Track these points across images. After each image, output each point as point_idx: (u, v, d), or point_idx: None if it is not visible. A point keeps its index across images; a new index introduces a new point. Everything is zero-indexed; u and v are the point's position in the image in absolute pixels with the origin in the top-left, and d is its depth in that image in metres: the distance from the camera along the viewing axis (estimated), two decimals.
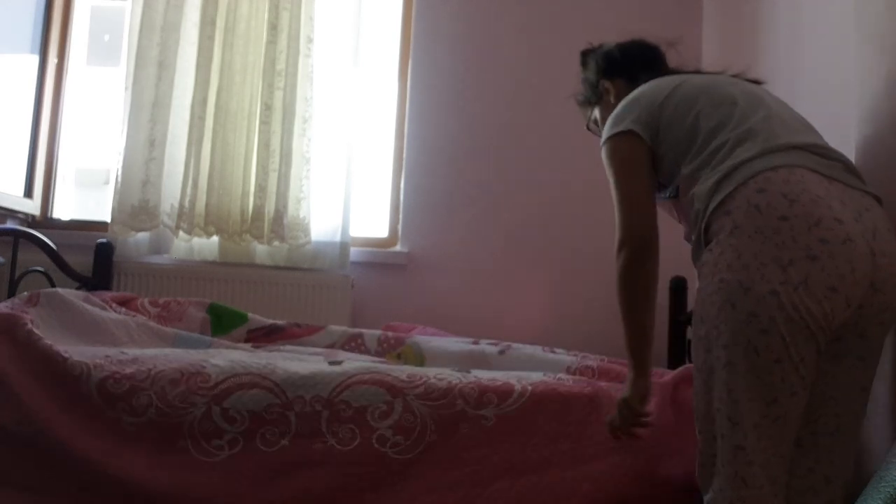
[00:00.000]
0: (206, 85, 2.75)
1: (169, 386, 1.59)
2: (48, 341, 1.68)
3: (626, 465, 1.55)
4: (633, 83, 1.56)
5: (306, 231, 2.77)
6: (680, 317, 2.43)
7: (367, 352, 2.16)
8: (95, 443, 1.54)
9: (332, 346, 2.18)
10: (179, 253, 2.79)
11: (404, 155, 2.96)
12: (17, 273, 2.53)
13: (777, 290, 1.15)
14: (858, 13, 1.57)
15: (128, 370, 1.62)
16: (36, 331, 1.70)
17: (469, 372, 1.72)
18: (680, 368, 1.76)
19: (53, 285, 2.45)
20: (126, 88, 2.78)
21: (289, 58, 2.76)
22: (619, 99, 1.57)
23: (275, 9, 2.78)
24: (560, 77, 2.92)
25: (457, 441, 1.55)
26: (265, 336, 2.23)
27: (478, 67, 2.97)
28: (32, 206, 2.90)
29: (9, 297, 2.29)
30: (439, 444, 1.55)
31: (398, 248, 2.92)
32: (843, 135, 1.58)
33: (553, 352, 2.09)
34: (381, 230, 3.01)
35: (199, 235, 2.75)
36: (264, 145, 2.75)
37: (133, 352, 1.76)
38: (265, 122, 2.75)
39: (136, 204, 2.73)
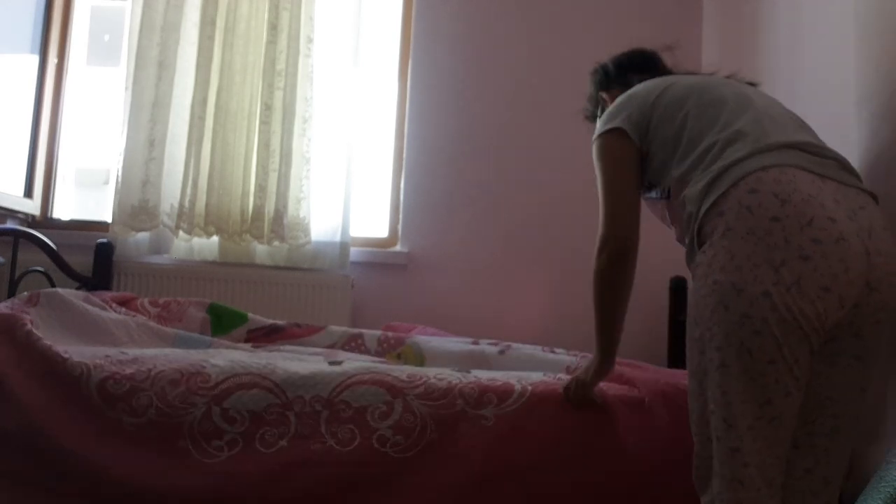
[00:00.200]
0: (206, 85, 2.75)
1: (169, 386, 1.59)
2: (48, 342, 1.68)
3: (626, 466, 1.55)
4: (627, 88, 1.58)
5: (306, 231, 2.77)
6: (680, 317, 2.43)
7: (367, 352, 2.16)
8: (95, 443, 1.53)
9: (332, 346, 2.18)
10: (179, 253, 2.79)
11: (404, 155, 2.96)
12: (17, 273, 2.53)
13: (770, 291, 1.14)
14: (858, 13, 1.57)
15: (128, 370, 1.62)
16: (35, 331, 1.70)
17: (469, 372, 1.72)
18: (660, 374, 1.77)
19: (53, 285, 2.45)
20: (126, 88, 2.78)
21: (289, 58, 2.76)
22: None
23: (275, 9, 2.78)
24: (560, 77, 2.94)
25: (457, 441, 1.55)
26: (265, 336, 2.23)
27: (478, 67, 2.97)
28: (32, 206, 2.90)
29: (9, 297, 2.29)
30: (439, 443, 1.55)
31: (398, 248, 2.92)
32: (843, 135, 1.58)
33: (553, 352, 2.09)
34: (381, 230, 3.01)
35: (199, 235, 2.75)
36: (264, 145, 2.75)
37: (133, 352, 1.76)
38: (265, 122, 2.75)
39: (136, 204, 2.73)
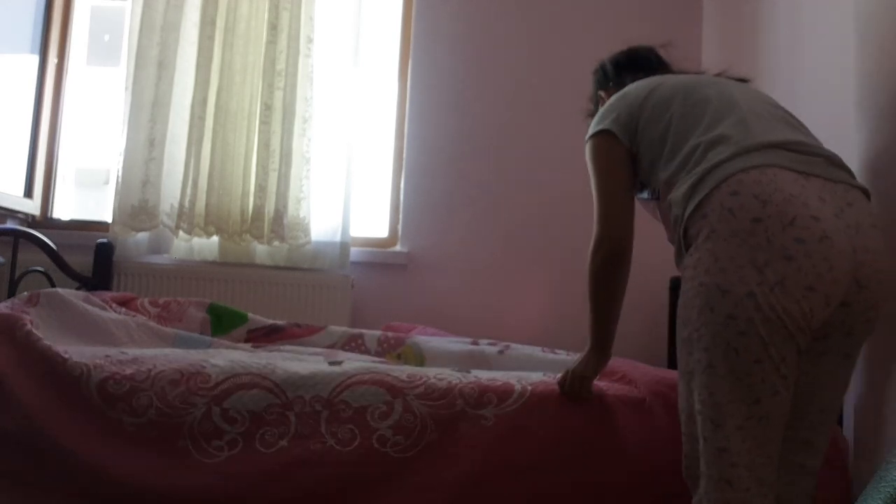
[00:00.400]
0: (206, 85, 2.75)
1: (169, 386, 1.59)
2: (48, 342, 1.67)
3: (626, 466, 1.55)
4: (622, 87, 1.59)
5: (306, 231, 2.77)
6: None
7: (367, 352, 2.16)
8: (95, 443, 1.53)
9: (332, 346, 2.18)
10: (179, 253, 2.79)
11: (404, 155, 2.96)
12: (17, 273, 2.53)
13: (754, 291, 1.15)
14: (858, 13, 1.57)
15: (128, 370, 1.62)
16: (35, 331, 1.70)
17: (469, 372, 1.72)
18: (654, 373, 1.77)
19: (53, 285, 2.45)
20: (126, 88, 2.78)
21: (289, 58, 2.76)
22: None
23: (275, 9, 2.78)
24: (560, 77, 2.94)
25: (457, 441, 1.55)
26: (265, 336, 2.23)
27: (478, 67, 2.97)
28: (32, 206, 2.90)
29: (9, 297, 2.29)
30: (439, 443, 1.54)
31: (398, 248, 2.92)
32: (843, 135, 1.58)
33: (553, 352, 2.09)
34: (381, 230, 3.01)
35: (199, 235, 2.75)
36: (264, 145, 2.75)
37: (133, 352, 1.76)
38: (265, 122, 2.75)
39: (136, 204, 2.73)
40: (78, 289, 2.47)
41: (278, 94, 2.76)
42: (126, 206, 2.74)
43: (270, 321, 2.28)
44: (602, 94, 1.73)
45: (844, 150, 1.36)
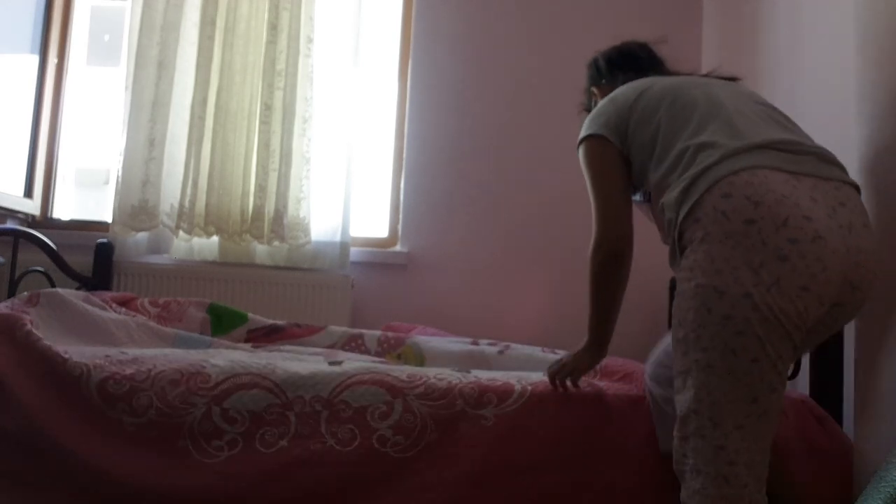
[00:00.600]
0: (206, 85, 2.75)
1: (169, 386, 1.59)
2: (48, 342, 1.67)
3: (626, 466, 1.55)
4: (615, 86, 1.60)
5: (306, 231, 2.77)
6: None
7: (367, 352, 2.16)
8: (96, 443, 1.53)
9: (332, 346, 2.18)
10: (179, 253, 2.79)
11: (404, 155, 2.96)
12: (17, 273, 2.53)
13: (750, 291, 1.17)
14: (858, 14, 1.57)
15: (128, 370, 1.62)
16: (35, 331, 1.69)
17: (469, 372, 1.72)
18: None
19: (53, 285, 2.45)
20: (126, 88, 2.79)
21: (289, 58, 2.76)
22: None
23: (275, 9, 2.79)
24: (560, 77, 2.94)
25: (457, 441, 1.55)
26: (265, 336, 2.23)
27: (478, 67, 2.97)
28: (32, 206, 2.90)
29: (9, 297, 2.29)
30: (439, 443, 1.54)
31: (398, 248, 2.92)
32: (843, 135, 1.58)
33: (553, 352, 2.09)
34: (381, 230, 3.01)
35: (199, 235, 2.75)
36: (264, 145, 2.75)
37: (133, 352, 1.76)
38: (265, 122, 2.76)
39: (136, 204, 2.73)
40: (78, 289, 2.47)
41: (278, 94, 2.76)
42: (126, 206, 2.74)
43: (270, 321, 2.28)
44: (595, 90, 1.74)
45: (844, 150, 1.36)
